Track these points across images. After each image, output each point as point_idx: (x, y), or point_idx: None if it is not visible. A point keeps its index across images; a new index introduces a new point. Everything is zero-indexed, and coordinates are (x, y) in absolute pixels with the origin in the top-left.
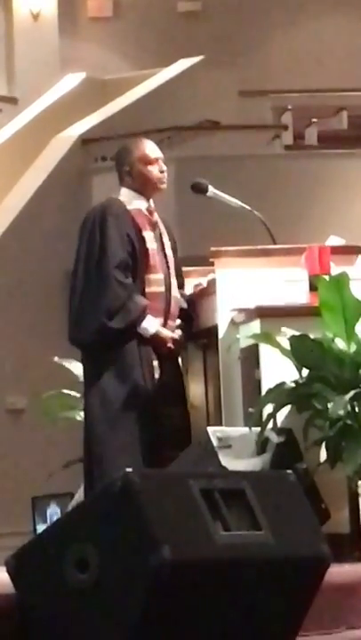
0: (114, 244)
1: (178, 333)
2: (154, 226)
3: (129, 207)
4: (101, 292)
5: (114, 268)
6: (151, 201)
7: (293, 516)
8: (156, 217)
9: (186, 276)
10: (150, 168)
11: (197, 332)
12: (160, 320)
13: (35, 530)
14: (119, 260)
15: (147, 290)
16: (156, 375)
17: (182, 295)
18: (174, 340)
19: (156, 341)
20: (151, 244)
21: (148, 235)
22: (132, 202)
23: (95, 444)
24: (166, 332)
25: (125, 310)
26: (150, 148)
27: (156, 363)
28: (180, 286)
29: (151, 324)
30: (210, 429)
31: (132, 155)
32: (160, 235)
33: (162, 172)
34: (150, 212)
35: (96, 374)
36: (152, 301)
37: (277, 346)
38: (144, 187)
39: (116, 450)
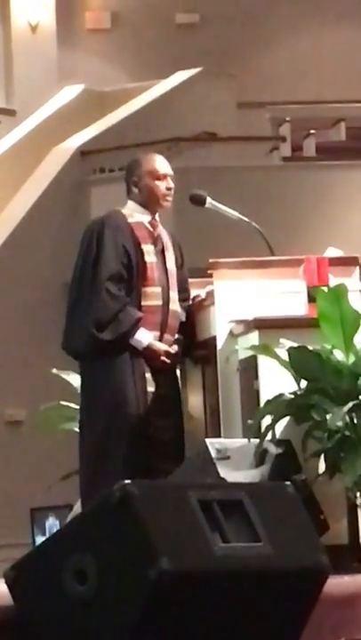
0: (109, 255)
1: (174, 348)
2: (155, 239)
3: (130, 220)
4: (93, 303)
5: (106, 279)
6: (157, 215)
7: (292, 528)
8: (158, 231)
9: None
10: (158, 183)
11: (195, 343)
12: (156, 333)
13: (33, 542)
14: (112, 272)
15: (143, 303)
16: (150, 388)
17: (184, 308)
18: (169, 354)
19: (149, 354)
20: (150, 257)
21: (148, 248)
22: (135, 215)
23: (87, 456)
24: (159, 345)
25: (116, 322)
26: (160, 164)
27: (148, 375)
28: (184, 300)
29: (144, 337)
30: (208, 441)
31: (142, 167)
32: (162, 249)
33: (168, 189)
34: (153, 226)
35: (89, 385)
36: (148, 314)
37: (276, 357)
38: (148, 200)
39: (106, 462)
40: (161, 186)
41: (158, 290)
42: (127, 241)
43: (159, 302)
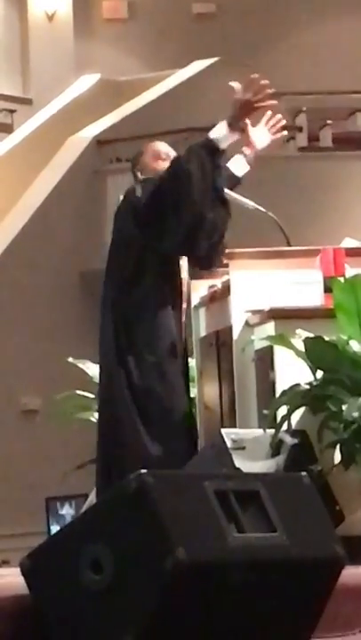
0: None
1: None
2: None
3: None
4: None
5: None
6: None
7: (308, 518)
8: None
9: (200, 278)
10: (161, 163)
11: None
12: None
13: (49, 530)
14: None
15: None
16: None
17: None
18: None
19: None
20: None
21: None
22: None
23: (120, 443)
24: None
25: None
26: (161, 145)
27: None
28: None
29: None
30: (224, 431)
31: (144, 154)
32: None
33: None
34: None
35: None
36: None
37: (292, 347)
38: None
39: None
40: (164, 165)
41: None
42: None
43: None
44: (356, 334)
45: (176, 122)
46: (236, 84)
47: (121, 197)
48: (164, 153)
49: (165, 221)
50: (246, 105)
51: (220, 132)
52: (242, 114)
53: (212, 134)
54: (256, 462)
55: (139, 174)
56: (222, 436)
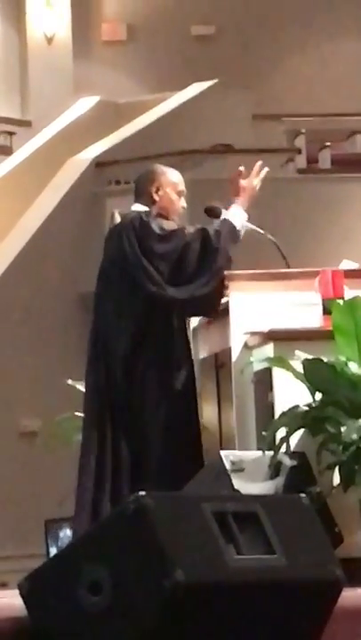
0: None
1: None
2: None
3: None
4: None
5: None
6: None
7: (306, 540)
8: None
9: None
10: (177, 197)
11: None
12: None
13: (47, 553)
14: None
15: None
16: None
17: None
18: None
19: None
20: None
21: None
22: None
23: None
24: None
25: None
26: (181, 180)
27: None
28: None
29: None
30: (223, 453)
31: (165, 176)
32: None
33: (182, 207)
34: None
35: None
36: None
37: (291, 369)
38: (164, 209)
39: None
40: (179, 201)
41: None
42: None
43: None
44: (355, 356)
45: (175, 144)
46: (242, 169)
47: (118, 216)
48: (181, 190)
49: (176, 279)
50: (252, 189)
51: (240, 220)
52: (248, 197)
53: (236, 223)
54: (255, 484)
55: (154, 195)
56: (221, 458)
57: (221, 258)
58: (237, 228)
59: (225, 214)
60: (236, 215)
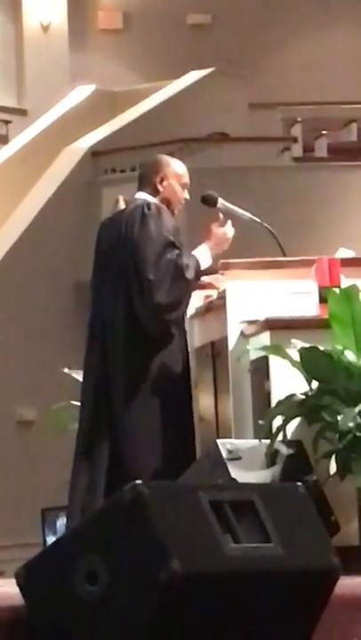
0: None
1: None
2: None
3: None
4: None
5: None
6: None
7: (303, 529)
8: None
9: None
10: (180, 189)
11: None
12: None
13: (44, 542)
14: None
15: None
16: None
17: None
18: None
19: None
20: None
21: None
22: None
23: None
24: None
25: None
26: (186, 173)
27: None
28: None
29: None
30: (219, 441)
31: (170, 167)
32: None
33: (185, 199)
34: None
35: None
36: None
37: (287, 358)
38: (166, 200)
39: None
40: (182, 193)
41: None
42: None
43: None
44: (351, 345)
45: (171, 132)
46: (222, 217)
47: (122, 202)
48: (185, 183)
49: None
50: (223, 237)
51: (205, 262)
52: (217, 243)
53: (201, 263)
54: (252, 473)
55: (158, 186)
56: (218, 447)
57: (186, 290)
58: (201, 268)
59: (195, 252)
60: (202, 256)
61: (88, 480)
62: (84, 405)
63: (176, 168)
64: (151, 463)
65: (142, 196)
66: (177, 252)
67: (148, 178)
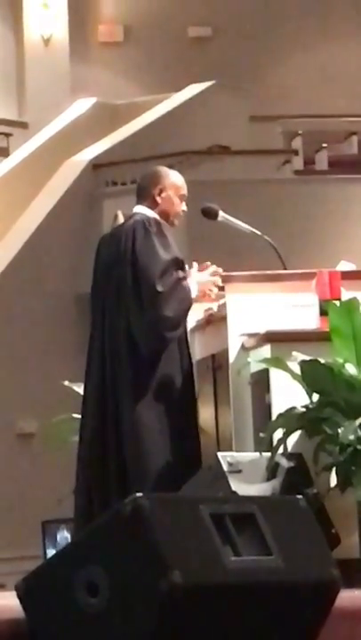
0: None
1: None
2: None
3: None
4: None
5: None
6: None
7: (304, 541)
8: None
9: (196, 301)
10: (178, 201)
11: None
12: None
13: (45, 554)
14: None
15: None
16: None
17: None
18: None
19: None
20: None
21: None
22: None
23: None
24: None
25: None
26: (184, 185)
27: None
28: None
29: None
30: (220, 454)
31: (169, 179)
32: None
33: (183, 211)
34: None
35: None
36: None
37: (288, 370)
38: (165, 212)
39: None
40: (180, 205)
41: None
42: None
43: None
44: (352, 357)
45: (172, 145)
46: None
47: (121, 217)
48: (183, 194)
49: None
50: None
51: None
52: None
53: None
54: (252, 485)
55: (156, 198)
56: (218, 459)
57: (187, 311)
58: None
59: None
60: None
61: (92, 487)
62: (87, 414)
63: (174, 180)
64: (155, 470)
65: (140, 209)
66: (181, 272)
67: (147, 190)
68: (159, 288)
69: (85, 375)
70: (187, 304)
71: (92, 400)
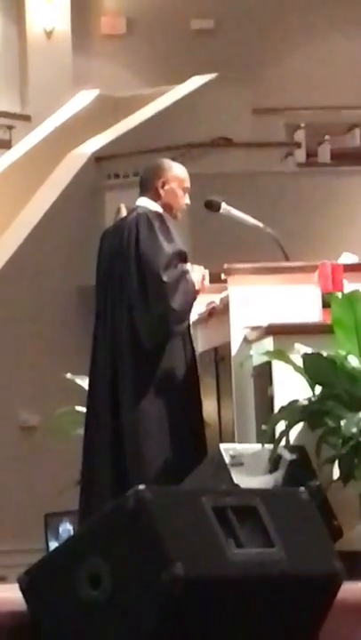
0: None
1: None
2: None
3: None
4: None
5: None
6: None
7: (306, 534)
8: None
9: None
10: (182, 193)
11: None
12: None
13: (47, 547)
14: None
15: None
16: None
17: None
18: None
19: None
20: None
21: None
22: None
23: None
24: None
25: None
26: (187, 177)
27: None
28: None
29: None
30: (222, 446)
31: (172, 171)
32: None
33: (186, 204)
34: None
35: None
36: None
37: (290, 363)
38: (168, 205)
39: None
40: (183, 198)
41: None
42: None
43: None
44: (355, 350)
45: (175, 138)
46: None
47: (124, 210)
48: (187, 187)
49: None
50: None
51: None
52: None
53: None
54: (254, 478)
55: (159, 190)
56: (221, 452)
57: (192, 305)
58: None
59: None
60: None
61: (97, 478)
62: (92, 406)
63: (177, 172)
64: (160, 461)
65: (143, 202)
66: (185, 266)
67: (150, 182)
68: (165, 278)
69: (90, 368)
70: (192, 296)
71: (97, 393)
